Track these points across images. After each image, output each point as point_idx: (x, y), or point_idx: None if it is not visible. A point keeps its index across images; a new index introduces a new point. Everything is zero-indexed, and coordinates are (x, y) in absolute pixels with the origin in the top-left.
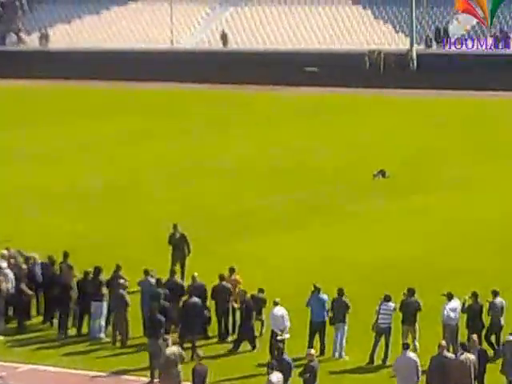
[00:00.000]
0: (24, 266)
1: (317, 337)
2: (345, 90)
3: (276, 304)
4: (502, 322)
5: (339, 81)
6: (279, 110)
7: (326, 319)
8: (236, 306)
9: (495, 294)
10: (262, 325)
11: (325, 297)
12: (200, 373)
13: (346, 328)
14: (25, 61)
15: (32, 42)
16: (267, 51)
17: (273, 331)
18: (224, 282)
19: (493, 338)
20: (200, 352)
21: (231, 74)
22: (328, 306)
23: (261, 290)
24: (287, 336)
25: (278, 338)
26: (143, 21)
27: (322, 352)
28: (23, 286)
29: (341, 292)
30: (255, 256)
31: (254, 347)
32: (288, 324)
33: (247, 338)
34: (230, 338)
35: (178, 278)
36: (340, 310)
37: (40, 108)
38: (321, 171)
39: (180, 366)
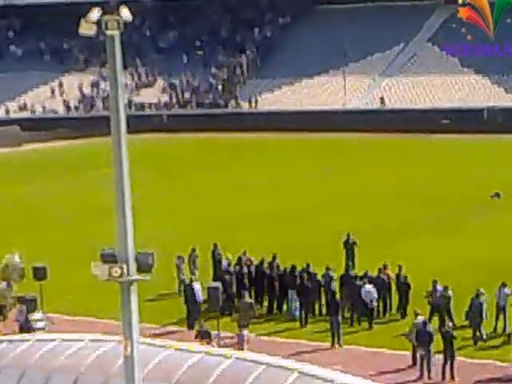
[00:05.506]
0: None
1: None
2: (470, 136)
3: None
4: None
5: (466, 129)
6: (423, 153)
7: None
8: None
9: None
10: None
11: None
12: None
13: None
14: (239, 119)
15: (245, 106)
16: (412, 109)
17: None
18: (381, 274)
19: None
20: None
21: (388, 126)
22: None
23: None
24: None
25: None
26: (323, 89)
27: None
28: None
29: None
30: (412, 255)
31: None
32: None
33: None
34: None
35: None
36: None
37: (248, 151)
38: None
39: None
